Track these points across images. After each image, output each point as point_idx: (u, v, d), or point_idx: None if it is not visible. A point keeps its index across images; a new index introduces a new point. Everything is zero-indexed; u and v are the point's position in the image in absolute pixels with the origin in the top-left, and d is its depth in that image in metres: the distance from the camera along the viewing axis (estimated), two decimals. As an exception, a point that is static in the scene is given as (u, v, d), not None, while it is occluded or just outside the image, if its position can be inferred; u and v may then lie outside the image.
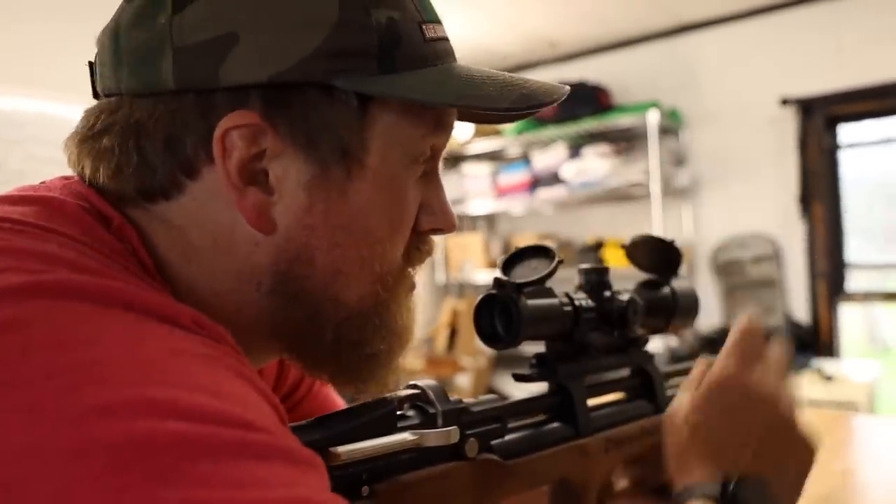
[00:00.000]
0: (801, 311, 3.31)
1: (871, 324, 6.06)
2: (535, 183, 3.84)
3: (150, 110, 0.42)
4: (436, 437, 0.48)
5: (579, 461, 0.61)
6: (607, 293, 0.66)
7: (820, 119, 3.24)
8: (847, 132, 3.34)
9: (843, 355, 3.29)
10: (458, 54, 0.50)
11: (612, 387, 0.71)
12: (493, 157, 4.16)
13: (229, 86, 0.41)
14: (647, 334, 0.72)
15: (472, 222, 4.46)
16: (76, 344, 0.32)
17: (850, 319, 3.48)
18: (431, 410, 0.50)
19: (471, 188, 4.12)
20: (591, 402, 0.65)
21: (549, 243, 0.64)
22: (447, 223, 0.50)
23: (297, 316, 0.45)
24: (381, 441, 0.45)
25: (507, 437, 0.56)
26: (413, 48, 0.44)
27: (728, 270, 3.44)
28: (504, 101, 0.46)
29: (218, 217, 0.43)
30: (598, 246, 0.73)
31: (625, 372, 0.72)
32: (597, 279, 0.67)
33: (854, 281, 3.33)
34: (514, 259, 0.62)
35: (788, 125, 3.29)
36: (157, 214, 0.44)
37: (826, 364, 3.00)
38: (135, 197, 0.44)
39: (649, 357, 0.73)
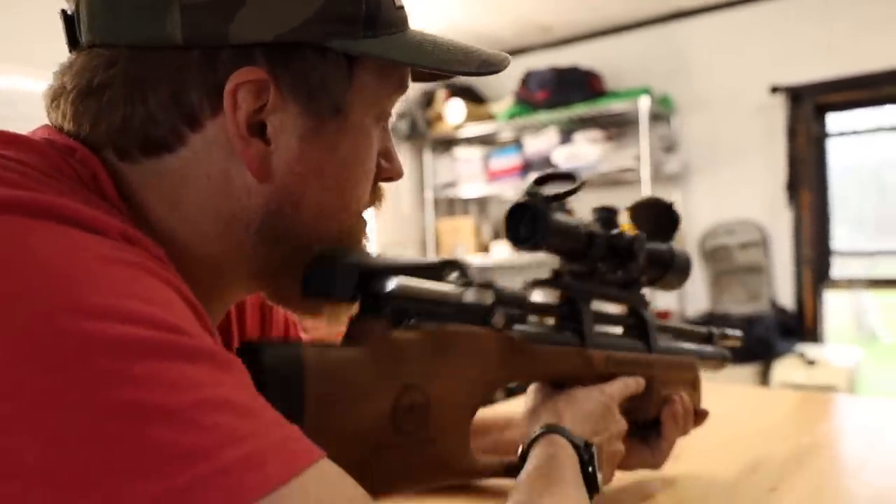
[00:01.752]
0: (786, 296, 3.36)
1: (860, 312, 6.13)
2: (527, 167, 3.87)
3: (155, 64, 0.44)
4: (475, 294, 0.55)
5: (583, 367, 0.68)
6: (616, 230, 0.74)
7: (809, 107, 3.28)
8: (836, 121, 3.38)
9: (826, 341, 3.35)
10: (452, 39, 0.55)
11: (612, 319, 0.77)
12: (485, 141, 4.17)
13: (237, 44, 0.44)
14: (645, 280, 0.79)
15: (463, 206, 4.48)
16: (12, 256, 0.34)
17: (836, 306, 3.54)
18: (468, 279, 0.56)
19: (462, 172, 4.14)
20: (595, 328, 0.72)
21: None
22: (397, 171, 0.57)
23: (284, 253, 0.50)
24: (430, 285, 0.52)
25: (526, 326, 0.63)
26: (389, 14, 0.49)
27: (716, 256, 3.49)
28: (472, 65, 0.53)
29: (214, 166, 0.46)
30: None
31: (623, 310, 0.79)
32: (607, 216, 0.75)
33: (845, 268, 3.39)
34: (543, 180, 0.70)
35: (778, 113, 3.32)
36: (151, 168, 0.46)
37: (809, 349, 3.06)
38: (132, 151, 0.45)
39: (645, 302, 0.80)
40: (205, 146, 0.46)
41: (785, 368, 2.96)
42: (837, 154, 3.38)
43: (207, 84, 0.44)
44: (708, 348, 0.91)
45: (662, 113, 3.56)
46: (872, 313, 6.30)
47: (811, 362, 2.91)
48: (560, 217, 0.66)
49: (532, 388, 0.69)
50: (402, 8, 0.51)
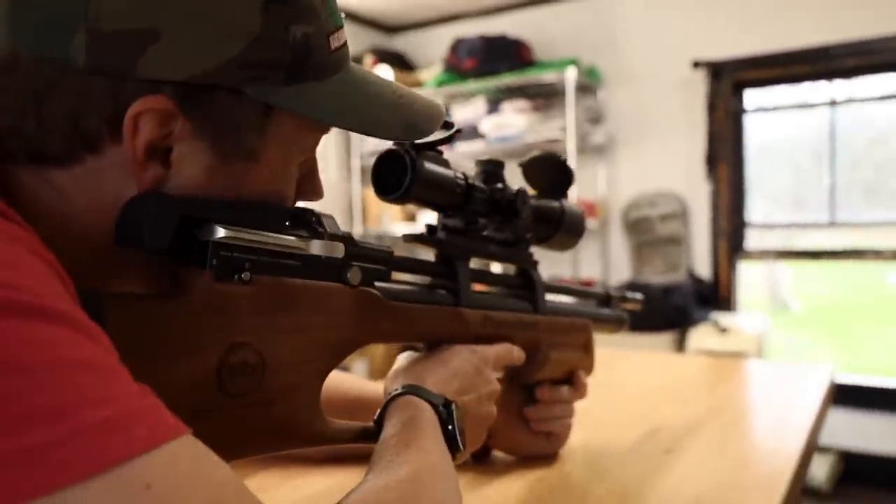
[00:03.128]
0: (703, 267, 3.47)
1: (773, 282, 6.43)
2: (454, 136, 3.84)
3: (55, 82, 0.41)
4: (321, 246, 0.50)
5: (457, 327, 0.65)
6: (500, 184, 0.70)
7: (728, 83, 3.36)
8: (753, 97, 3.47)
9: (740, 309, 3.48)
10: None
11: (496, 279, 0.75)
12: (414, 109, 4.12)
13: (144, 78, 0.41)
14: (534, 238, 0.77)
15: (392, 175, 4.42)
16: None
17: (752, 277, 3.68)
18: (321, 230, 0.52)
19: (391, 140, 4.08)
20: (477, 288, 0.69)
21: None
22: (317, 193, 0.55)
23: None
24: (267, 235, 0.47)
25: (390, 284, 0.59)
26: (319, 59, 0.47)
27: (638, 228, 3.57)
28: (393, 130, 0.52)
29: (110, 188, 0.43)
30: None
31: (511, 269, 0.76)
32: (492, 170, 0.71)
33: (762, 240, 3.52)
34: None
35: (699, 88, 3.39)
36: (45, 177, 0.44)
37: (722, 317, 3.18)
38: (18, 156, 0.43)
39: (534, 262, 0.77)
40: (100, 169, 0.43)
41: (700, 336, 3.06)
42: (756, 130, 3.49)
43: (108, 112, 0.42)
44: (605, 310, 0.91)
45: (589, 84, 3.59)
46: (785, 284, 6.63)
47: (724, 330, 3.02)
48: (433, 167, 0.62)
49: (403, 352, 0.66)
50: (339, 49, 0.49)
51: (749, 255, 3.49)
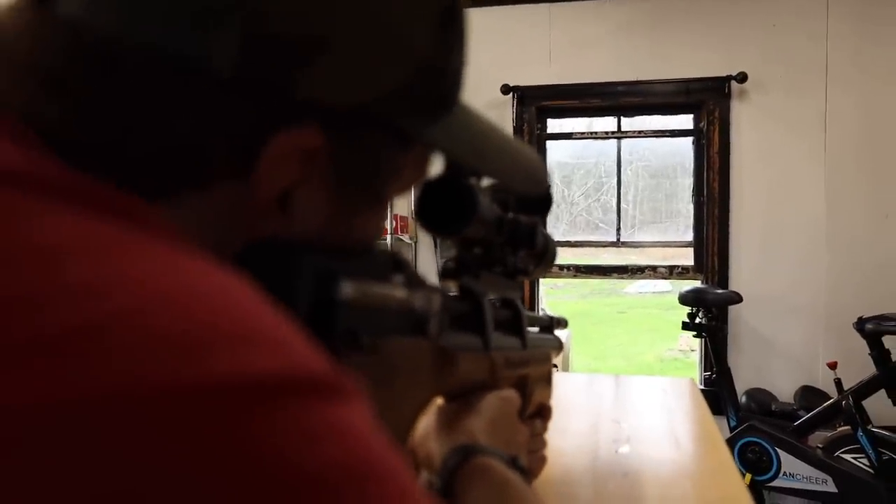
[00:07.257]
0: (509, 283, 3.64)
1: (532, 296, 7.03)
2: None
3: (176, 89, 0.30)
4: (425, 298, 0.43)
5: (488, 373, 0.59)
6: (511, 214, 0.65)
7: (532, 109, 3.57)
8: (554, 124, 3.73)
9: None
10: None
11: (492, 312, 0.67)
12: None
13: (300, 99, 0.32)
14: (532, 269, 0.70)
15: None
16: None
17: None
18: (413, 278, 0.45)
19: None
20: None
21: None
22: (381, 234, 0.50)
23: None
24: (382, 288, 0.39)
25: (445, 331, 0.52)
26: (457, 91, 0.42)
27: (450, 245, 3.63)
28: (518, 178, 0.49)
29: (208, 237, 0.33)
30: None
31: (496, 301, 0.70)
32: (505, 198, 0.64)
33: (561, 257, 3.77)
34: None
35: (508, 112, 3.56)
36: None
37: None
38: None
39: (522, 293, 0.70)
40: (200, 210, 0.33)
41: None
42: (556, 154, 3.74)
43: (242, 138, 0.32)
44: (550, 337, 0.88)
45: (404, 101, 3.60)
46: (542, 296, 7.29)
47: (535, 343, 3.18)
48: (485, 199, 0.55)
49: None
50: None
51: (549, 272, 3.72)
